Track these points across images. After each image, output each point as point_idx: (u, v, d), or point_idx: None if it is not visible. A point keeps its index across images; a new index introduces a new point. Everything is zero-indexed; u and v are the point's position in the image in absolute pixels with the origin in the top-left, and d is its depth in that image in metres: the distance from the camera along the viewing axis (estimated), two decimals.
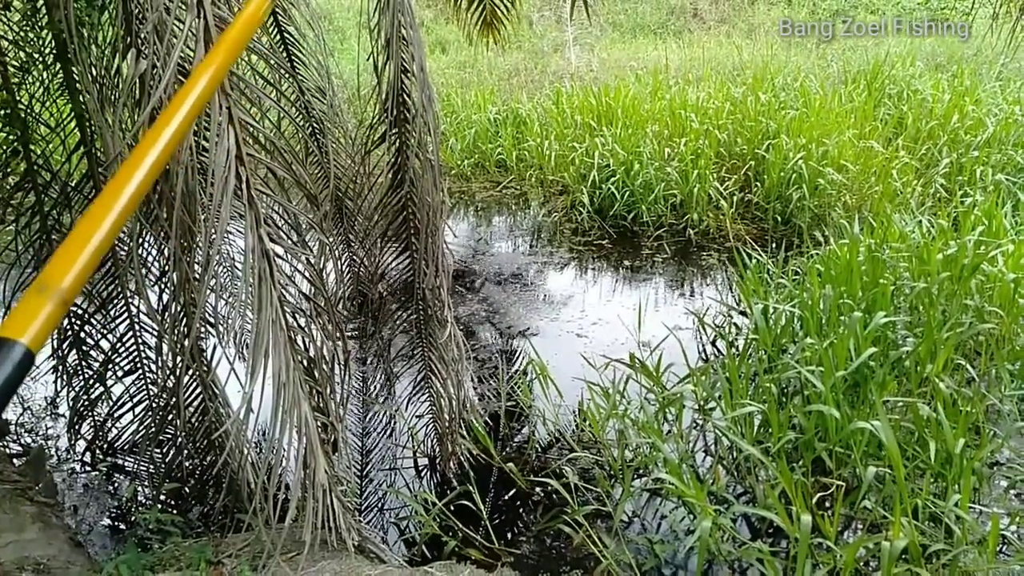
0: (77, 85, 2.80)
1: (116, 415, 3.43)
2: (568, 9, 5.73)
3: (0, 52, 2.89)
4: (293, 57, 3.58)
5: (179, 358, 2.62)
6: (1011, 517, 2.82)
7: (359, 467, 3.59)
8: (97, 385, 3.39)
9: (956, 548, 2.45)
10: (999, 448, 3.14)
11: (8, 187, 3.11)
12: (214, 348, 2.78)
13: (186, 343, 2.39)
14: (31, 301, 0.49)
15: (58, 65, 2.86)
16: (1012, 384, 3.46)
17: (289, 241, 2.11)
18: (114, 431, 3.50)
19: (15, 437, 3.76)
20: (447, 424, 3.20)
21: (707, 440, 3.55)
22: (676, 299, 5.31)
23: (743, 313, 4.68)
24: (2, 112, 2.96)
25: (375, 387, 4.18)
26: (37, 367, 3.47)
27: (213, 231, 1.91)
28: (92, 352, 3.37)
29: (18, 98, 2.97)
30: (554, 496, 3.10)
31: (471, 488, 3.04)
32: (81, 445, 3.61)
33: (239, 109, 1.86)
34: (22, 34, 2.95)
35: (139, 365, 3.30)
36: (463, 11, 5.49)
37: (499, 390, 3.86)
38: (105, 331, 3.30)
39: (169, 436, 3.37)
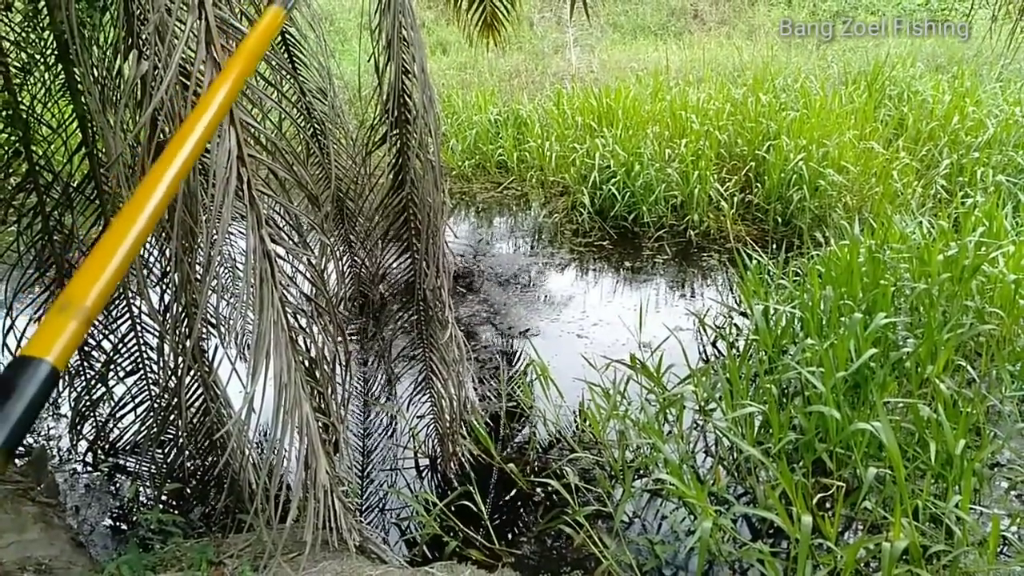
0: (79, 86, 2.81)
1: (118, 415, 3.44)
2: (568, 10, 5.74)
3: (2, 53, 2.90)
4: (294, 58, 3.58)
5: (181, 359, 2.63)
6: (1012, 518, 2.82)
7: (360, 467, 3.59)
8: (99, 385, 3.40)
9: (957, 549, 2.45)
10: (1000, 449, 3.14)
11: (10, 188, 3.12)
12: (216, 349, 2.78)
13: (188, 344, 2.40)
14: (54, 319, 0.49)
15: (60, 66, 2.87)
16: (1013, 385, 3.46)
17: (290, 242, 2.12)
18: (116, 431, 3.51)
19: None
20: (448, 424, 3.20)
21: (708, 441, 3.55)
22: (677, 300, 5.31)
23: (744, 314, 4.68)
24: (4, 113, 2.96)
25: (376, 388, 4.19)
26: None
27: (214, 232, 1.91)
28: (94, 353, 3.38)
29: (20, 99, 2.98)
30: (555, 497, 3.10)
31: (472, 489, 3.04)
32: (83, 445, 3.61)
33: (240, 110, 1.87)
34: (24, 35, 2.96)
35: (141, 366, 3.31)
36: (463, 12, 5.50)
37: (500, 391, 3.86)
38: (107, 332, 3.31)
39: (171, 436, 3.38)
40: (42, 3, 2.85)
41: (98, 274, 0.52)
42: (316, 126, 3.70)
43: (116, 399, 3.39)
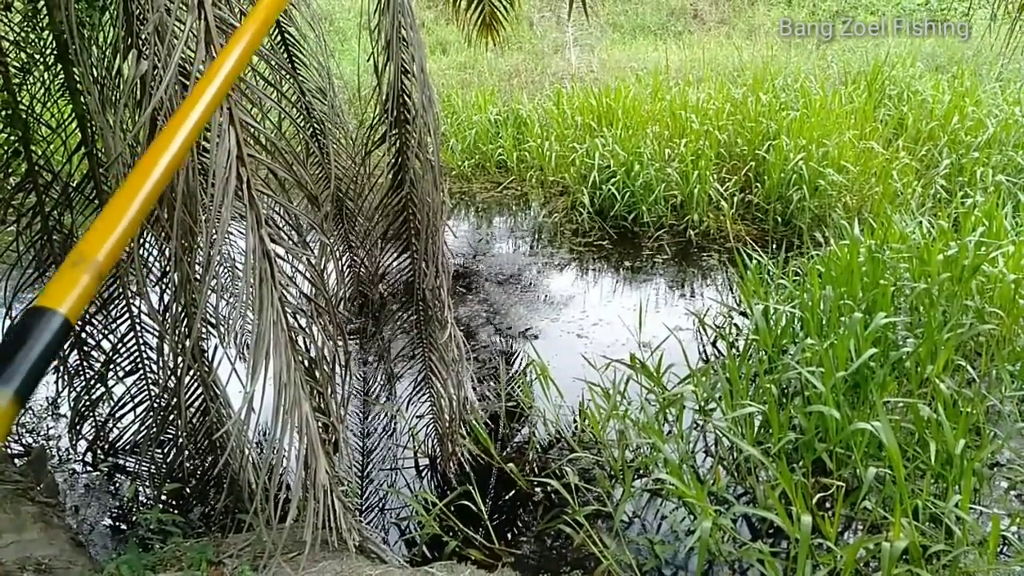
0: (78, 86, 2.81)
1: (117, 415, 3.43)
2: (568, 10, 5.73)
3: (1, 53, 2.90)
4: (294, 58, 3.59)
5: (180, 358, 2.63)
6: (1011, 518, 2.82)
7: (360, 467, 3.59)
8: (98, 385, 3.40)
9: (956, 549, 2.45)
10: (999, 449, 3.14)
11: (9, 188, 3.12)
12: (215, 349, 2.78)
13: (187, 344, 2.39)
14: (67, 273, 0.50)
15: (59, 66, 2.87)
16: (1012, 385, 3.46)
17: (290, 242, 2.11)
18: (115, 431, 3.51)
19: (16, 437, 3.76)
20: (447, 424, 3.20)
21: (707, 441, 3.55)
22: (676, 300, 5.31)
23: (743, 314, 4.68)
24: (3, 113, 2.96)
25: (376, 387, 4.19)
26: None
27: (214, 232, 1.91)
28: (93, 352, 3.38)
29: (19, 99, 2.97)
30: (554, 496, 3.10)
31: (471, 488, 3.04)
32: (82, 445, 3.61)
33: (240, 110, 1.87)
34: (23, 35, 2.96)
35: (140, 365, 3.31)
36: (463, 12, 5.49)
37: (499, 391, 3.86)
38: (106, 332, 3.30)
39: (170, 436, 3.38)
40: (42, 3, 2.85)
41: (111, 230, 0.52)
42: (316, 126, 3.70)
43: (116, 399, 3.39)
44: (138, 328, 3.26)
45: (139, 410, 3.39)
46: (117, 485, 3.45)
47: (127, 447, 3.55)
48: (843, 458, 3.03)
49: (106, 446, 3.54)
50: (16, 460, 3.44)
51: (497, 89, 9.76)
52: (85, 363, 3.40)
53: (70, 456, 3.63)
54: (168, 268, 2.64)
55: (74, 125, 2.98)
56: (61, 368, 3.40)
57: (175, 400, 2.85)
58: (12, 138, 3.05)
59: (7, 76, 2.91)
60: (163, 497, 3.29)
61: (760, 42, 11.17)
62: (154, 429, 3.38)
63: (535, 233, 6.80)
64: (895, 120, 7.29)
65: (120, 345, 3.28)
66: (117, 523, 3.24)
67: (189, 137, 0.60)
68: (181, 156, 0.59)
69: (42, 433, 3.84)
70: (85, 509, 3.27)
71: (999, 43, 4.69)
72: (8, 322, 3.25)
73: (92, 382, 3.39)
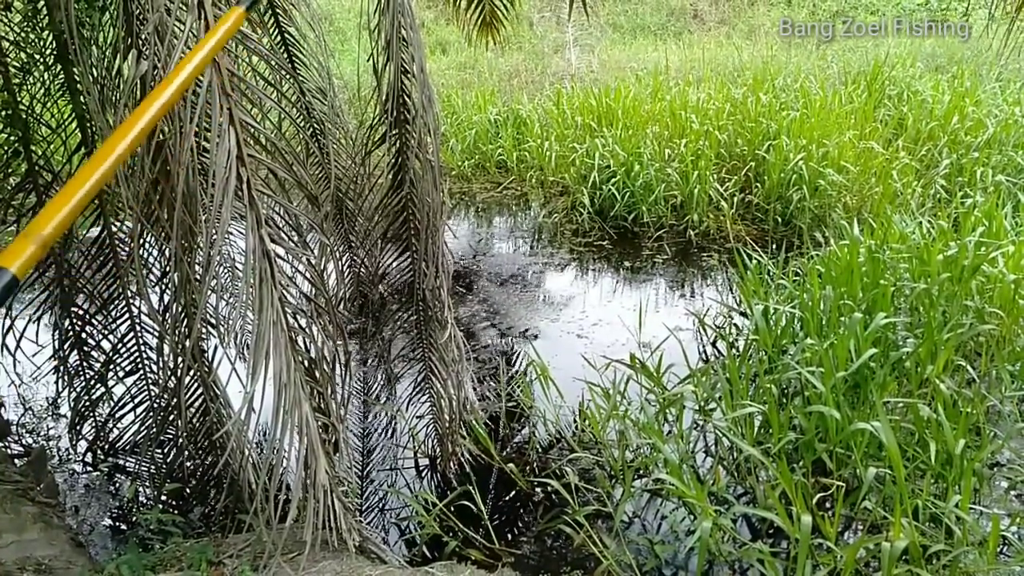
0: (78, 86, 2.81)
1: (117, 415, 3.44)
2: (568, 10, 5.74)
3: (1, 53, 2.90)
4: (294, 58, 3.59)
5: (180, 359, 2.63)
6: (1011, 518, 2.82)
7: (360, 467, 3.59)
8: (98, 386, 3.40)
9: (956, 549, 2.45)
10: (999, 449, 3.14)
11: (9, 188, 3.12)
12: (215, 349, 2.78)
13: (187, 344, 2.39)
14: (18, 243, 0.61)
15: (59, 66, 2.87)
16: (1012, 385, 3.46)
17: (290, 242, 2.11)
18: (115, 431, 3.51)
19: (16, 437, 3.76)
20: (447, 424, 3.20)
21: (707, 441, 3.55)
22: (676, 300, 5.31)
23: (743, 314, 4.68)
24: (3, 113, 2.96)
25: (376, 388, 4.18)
26: (39, 367, 3.47)
27: (214, 232, 1.91)
28: (93, 353, 3.38)
29: (19, 99, 2.97)
30: (554, 496, 3.10)
31: (472, 488, 3.04)
32: (82, 445, 3.61)
33: (240, 110, 1.87)
34: (23, 35, 2.96)
35: (140, 366, 3.31)
36: (463, 12, 5.49)
37: (500, 391, 3.86)
38: (106, 332, 3.30)
39: (170, 436, 3.38)
40: (41, 3, 2.85)
41: (59, 210, 0.63)
42: (316, 126, 3.70)
43: (116, 399, 3.39)
44: (138, 328, 3.26)
45: (139, 410, 3.39)
46: (117, 485, 3.45)
47: (127, 447, 3.55)
48: (843, 458, 3.03)
49: (106, 446, 3.54)
50: (16, 460, 3.44)
51: (497, 89, 9.76)
52: (85, 363, 3.40)
53: (70, 456, 3.63)
54: (168, 268, 2.64)
55: (74, 125, 2.98)
56: (61, 368, 3.40)
57: (175, 400, 2.85)
58: (12, 138, 3.04)
59: (7, 76, 2.91)
60: (163, 497, 3.29)
61: (760, 42, 11.18)
62: (154, 429, 3.38)
63: (535, 233, 6.80)
64: (895, 120, 7.29)
65: (120, 345, 3.28)
66: (117, 523, 3.24)
67: (135, 139, 0.70)
68: (124, 156, 0.70)
69: (42, 433, 3.84)
70: (85, 509, 3.27)
71: (998, 43, 4.69)
72: (8, 322, 3.26)
73: (92, 382, 3.39)
